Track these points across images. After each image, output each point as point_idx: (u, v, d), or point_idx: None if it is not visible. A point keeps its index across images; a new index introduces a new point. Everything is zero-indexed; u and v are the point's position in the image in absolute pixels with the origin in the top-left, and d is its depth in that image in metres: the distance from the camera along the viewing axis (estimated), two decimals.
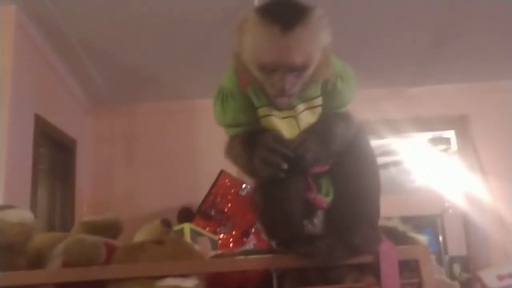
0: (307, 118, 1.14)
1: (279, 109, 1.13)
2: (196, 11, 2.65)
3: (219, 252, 2.19)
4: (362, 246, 1.10)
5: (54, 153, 3.21)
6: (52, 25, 2.69)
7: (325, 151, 1.09)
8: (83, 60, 3.11)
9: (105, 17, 2.67)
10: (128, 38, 2.91)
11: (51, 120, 2.97)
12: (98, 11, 2.61)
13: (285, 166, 1.03)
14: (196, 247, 1.95)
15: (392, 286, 1.09)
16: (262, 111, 1.15)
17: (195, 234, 2.30)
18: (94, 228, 1.37)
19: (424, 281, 1.12)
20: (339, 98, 1.18)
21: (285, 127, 1.13)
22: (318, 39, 1.07)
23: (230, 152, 1.21)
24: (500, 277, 3.16)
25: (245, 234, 2.71)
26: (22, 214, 1.19)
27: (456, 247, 3.83)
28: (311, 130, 1.11)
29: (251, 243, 2.56)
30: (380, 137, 3.80)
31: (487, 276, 3.19)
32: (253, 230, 2.71)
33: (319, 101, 1.16)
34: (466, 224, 3.73)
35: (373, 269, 1.12)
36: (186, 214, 3.13)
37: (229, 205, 2.92)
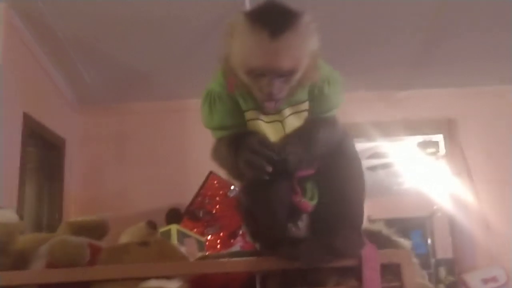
0: (293, 122, 1.15)
1: (266, 113, 1.14)
2: (189, 12, 2.65)
3: (206, 253, 2.20)
4: (344, 250, 1.11)
5: (42, 152, 3.19)
6: (41, 23, 2.68)
7: (309, 154, 1.10)
8: (72, 59, 3.10)
9: (95, 16, 2.67)
10: (119, 37, 2.90)
11: (39, 118, 2.95)
12: (89, 9, 2.60)
13: (269, 168, 1.04)
14: (183, 248, 1.95)
15: None
16: (249, 114, 1.16)
17: (182, 235, 2.30)
18: (79, 228, 1.36)
19: (405, 285, 1.13)
20: (326, 102, 1.19)
21: (271, 130, 1.15)
22: (306, 45, 1.08)
23: (216, 154, 1.22)
24: (485, 281, 3.21)
25: (233, 235, 2.72)
26: (6, 215, 1.18)
27: (442, 250, 3.87)
28: (295, 133, 1.12)
29: (238, 245, 2.57)
30: (370, 139, 3.84)
31: (472, 279, 3.24)
32: (240, 232, 2.71)
33: (305, 105, 1.17)
34: (453, 227, 3.77)
35: (355, 272, 1.14)
36: (174, 215, 3.13)
37: (218, 206, 2.92)
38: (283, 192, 1.17)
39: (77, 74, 3.30)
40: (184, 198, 3.15)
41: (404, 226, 3.75)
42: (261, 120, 1.14)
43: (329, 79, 1.18)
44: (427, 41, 3.10)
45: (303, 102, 1.16)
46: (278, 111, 1.14)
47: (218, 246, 2.73)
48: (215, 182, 2.99)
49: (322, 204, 1.19)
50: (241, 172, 1.08)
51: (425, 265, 3.68)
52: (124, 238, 1.36)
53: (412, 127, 3.89)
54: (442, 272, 3.53)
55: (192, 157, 3.53)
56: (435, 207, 4.56)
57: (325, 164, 1.19)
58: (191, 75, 3.21)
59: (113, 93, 3.67)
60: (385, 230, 1.37)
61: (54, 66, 3.17)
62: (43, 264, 1.16)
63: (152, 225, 1.37)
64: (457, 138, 3.83)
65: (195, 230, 2.76)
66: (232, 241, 2.69)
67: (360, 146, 4.23)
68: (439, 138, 4.05)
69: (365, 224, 1.28)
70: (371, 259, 1.12)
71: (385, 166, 5.06)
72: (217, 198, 2.95)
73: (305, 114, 1.17)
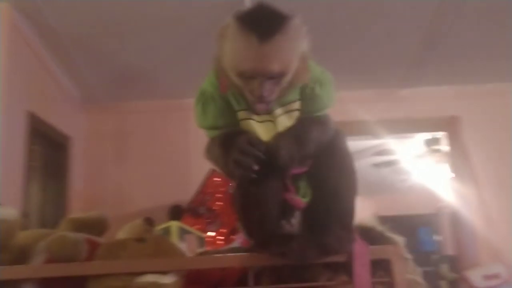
0: (285, 122, 1.17)
1: (258, 114, 1.16)
2: (188, 11, 2.67)
3: (206, 249, 2.23)
4: (334, 246, 1.13)
5: (47, 150, 3.23)
6: (44, 22, 2.71)
7: (299, 152, 1.12)
8: (75, 58, 3.13)
9: (97, 15, 2.69)
10: (121, 36, 2.93)
11: (44, 117, 2.99)
12: (91, 9, 2.62)
13: (256, 167, 1.06)
14: (183, 244, 1.98)
15: (364, 285, 1.12)
16: (241, 114, 1.18)
17: (182, 232, 2.32)
18: (80, 225, 1.39)
19: (395, 281, 1.15)
20: (317, 102, 1.21)
21: (263, 130, 1.17)
22: (295, 47, 1.10)
23: (209, 153, 1.24)
24: (487, 277, 3.20)
25: (233, 232, 2.74)
26: (5, 211, 1.22)
27: (446, 247, 3.87)
28: (286, 132, 1.14)
29: (238, 241, 2.58)
30: (375, 137, 3.84)
31: (474, 276, 3.23)
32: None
33: (296, 105, 1.19)
34: (456, 224, 3.77)
35: (346, 269, 1.16)
36: (177, 211, 3.16)
37: (218, 203, 2.95)
38: (276, 190, 1.19)
39: (80, 73, 3.33)
40: (185, 195, 3.18)
41: (412, 223, 3.76)
42: (253, 120, 1.17)
43: (321, 80, 1.20)
44: (429, 39, 3.09)
45: (294, 101, 1.18)
46: (270, 112, 1.16)
47: (219, 243, 2.76)
48: (216, 179, 3.02)
49: (313, 201, 1.21)
50: (232, 171, 1.11)
51: (434, 262, 3.67)
52: (121, 234, 1.39)
53: (416, 125, 3.89)
54: (445, 268, 3.52)
55: (194, 155, 3.56)
56: (439, 204, 4.55)
57: (317, 161, 1.21)
58: (192, 75, 3.21)
59: (116, 92, 3.71)
60: (379, 227, 1.39)
61: (57, 65, 3.21)
62: (42, 259, 1.19)
63: (149, 222, 1.39)
64: (460, 135, 3.83)
65: (196, 226, 2.79)
66: (232, 237, 2.71)
67: (365, 143, 4.25)
68: (442, 135, 4.05)
69: (358, 220, 1.29)
70: (362, 255, 1.14)
71: (391, 163, 5.06)
72: (218, 195, 2.97)
73: (297, 113, 1.19)
